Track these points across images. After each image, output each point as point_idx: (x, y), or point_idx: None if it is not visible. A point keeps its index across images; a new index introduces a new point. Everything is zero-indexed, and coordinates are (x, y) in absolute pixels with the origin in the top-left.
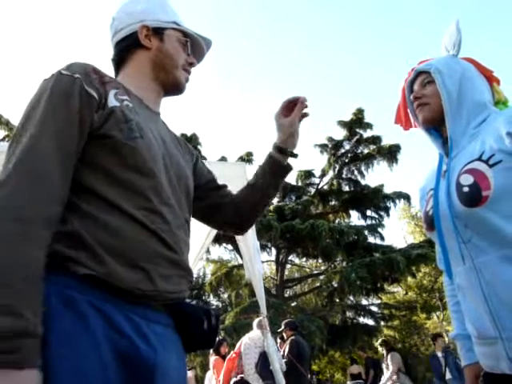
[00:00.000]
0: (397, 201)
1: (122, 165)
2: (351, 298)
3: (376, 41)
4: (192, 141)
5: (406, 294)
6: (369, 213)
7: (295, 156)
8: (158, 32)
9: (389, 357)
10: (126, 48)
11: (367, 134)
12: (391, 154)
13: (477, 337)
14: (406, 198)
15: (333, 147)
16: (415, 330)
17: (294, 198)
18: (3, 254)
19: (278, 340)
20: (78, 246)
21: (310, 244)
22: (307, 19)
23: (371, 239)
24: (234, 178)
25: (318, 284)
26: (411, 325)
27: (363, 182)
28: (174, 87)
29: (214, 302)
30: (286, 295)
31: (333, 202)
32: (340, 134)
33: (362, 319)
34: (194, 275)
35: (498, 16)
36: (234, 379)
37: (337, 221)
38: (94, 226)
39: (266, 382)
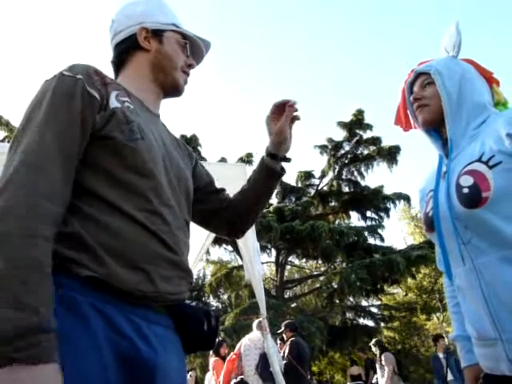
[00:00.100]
0: (397, 202)
1: (122, 166)
2: (351, 299)
3: (376, 41)
4: (192, 142)
5: (406, 295)
6: (369, 214)
7: (288, 160)
8: (157, 34)
9: (383, 357)
10: (125, 50)
11: (367, 135)
12: (391, 155)
13: (477, 338)
14: (406, 199)
15: (333, 148)
16: (415, 331)
17: (293, 199)
18: (13, 252)
19: (278, 341)
20: (79, 247)
21: (309, 245)
22: (307, 19)
23: (371, 240)
24: (234, 179)
25: (317, 285)
26: (411, 326)
27: (363, 183)
28: (173, 89)
29: (213, 303)
30: (286, 296)
31: (333, 203)
32: (340, 135)
33: (361, 320)
34: (194, 276)
35: (498, 17)
36: (233, 380)
37: (337, 222)
38: (96, 228)
39: (266, 383)
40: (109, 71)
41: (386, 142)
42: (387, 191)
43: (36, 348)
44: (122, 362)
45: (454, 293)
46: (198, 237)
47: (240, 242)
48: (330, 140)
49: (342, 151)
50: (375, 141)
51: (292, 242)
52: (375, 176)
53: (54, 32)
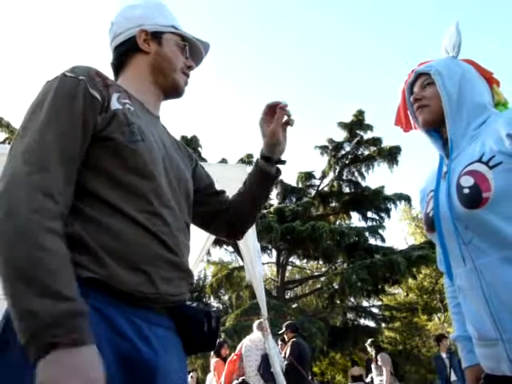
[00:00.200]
0: (397, 202)
1: (123, 167)
2: (352, 299)
3: (376, 42)
4: (192, 143)
5: (407, 295)
6: (369, 214)
7: (283, 163)
8: (156, 36)
9: (379, 357)
10: (124, 52)
11: (367, 135)
12: (391, 155)
13: (477, 338)
14: (407, 199)
15: (333, 149)
16: (416, 331)
17: (294, 200)
18: (33, 243)
19: (279, 342)
20: (80, 249)
21: (310, 245)
22: (308, 20)
23: (372, 241)
24: (235, 180)
25: (318, 286)
26: (412, 326)
27: (364, 184)
28: (173, 90)
29: (214, 303)
30: (287, 297)
31: (333, 204)
32: (340, 135)
33: (362, 321)
34: (195, 277)
35: (498, 17)
36: (235, 381)
37: (337, 222)
38: (97, 230)
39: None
40: (109, 73)
41: (387, 143)
42: (388, 192)
43: (75, 331)
44: (123, 363)
45: (454, 293)
46: (199, 238)
47: (241, 242)
48: (331, 141)
49: (343, 152)
50: (376, 141)
51: (293, 242)
52: (376, 176)
53: (54, 34)
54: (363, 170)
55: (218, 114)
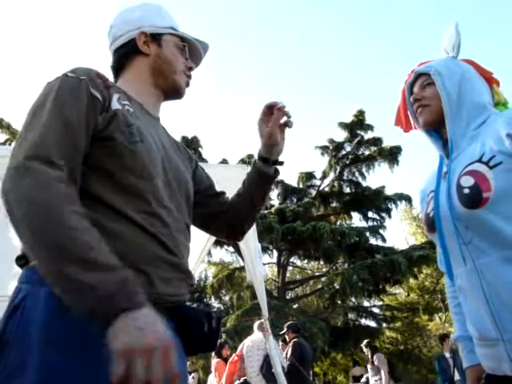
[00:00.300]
0: (398, 202)
1: (121, 168)
2: (353, 299)
3: (376, 42)
4: (193, 143)
5: (408, 295)
6: (370, 214)
7: (281, 164)
8: (155, 38)
9: (375, 358)
10: (124, 55)
11: (368, 135)
12: (392, 155)
13: (478, 338)
14: (408, 199)
15: (334, 149)
16: (417, 331)
17: (295, 200)
18: (64, 225)
19: (280, 342)
20: None
21: (311, 246)
22: (308, 20)
23: (373, 241)
24: (235, 181)
25: (319, 286)
26: (413, 326)
27: (364, 184)
28: (174, 92)
29: (215, 304)
30: (288, 297)
31: (334, 204)
32: (341, 135)
33: (363, 321)
34: (196, 278)
35: (498, 18)
36: (236, 382)
37: (338, 222)
38: None
39: None
40: (109, 76)
41: (387, 143)
42: (388, 192)
43: (135, 295)
44: None
45: (455, 293)
46: (200, 238)
47: (241, 243)
48: (331, 141)
49: (343, 152)
50: (376, 141)
51: (293, 242)
52: (376, 176)
53: (55, 35)
54: (364, 170)
55: (219, 115)
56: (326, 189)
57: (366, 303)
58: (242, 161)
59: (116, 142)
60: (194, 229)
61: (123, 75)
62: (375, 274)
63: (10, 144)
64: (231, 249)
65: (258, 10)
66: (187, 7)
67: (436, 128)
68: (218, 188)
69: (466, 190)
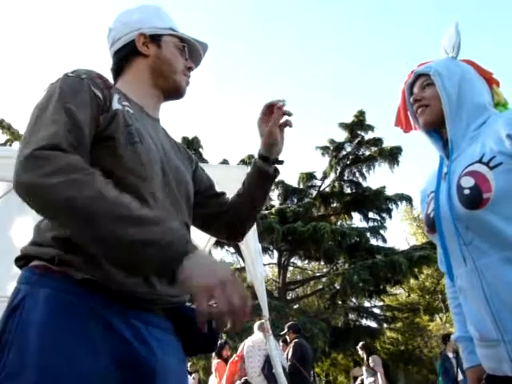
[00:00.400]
0: (398, 202)
1: (120, 168)
2: (354, 300)
3: (376, 42)
4: (194, 144)
5: (409, 295)
6: (371, 215)
7: (281, 163)
8: (155, 39)
9: (370, 359)
10: (124, 57)
11: (368, 136)
12: (392, 155)
13: (479, 339)
14: (408, 199)
15: (334, 149)
16: (418, 332)
17: (295, 201)
18: (110, 193)
19: (280, 343)
20: (75, 250)
21: (312, 246)
22: (308, 20)
23: (373, 241)
24: (236, 181)
25: (320, 286)
26: (414, 327)
27: (365, 184)
28: (174, 92)
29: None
30: (289, 298)
31: (334, 204)
32: (341, 136)
33: (364, 321)
34: None
35: (497, 18)
36: (237, 382)
37: (339, 223)
38: None
39: None
40: (109, 77)
41: (388, 143)
42: (389, 192)
43: (190, 239)
44: (122, 365)
45: (455, 294)
46: (200, 239)
47: (242, 243)
48: (332, 141)
49: (344, 152)
50: (377, 142)
51: (294, 243)
52: (377, 177)
53: (55, 36)
54: (364, 170)
55: (219, 115)
56: (327, 189)
57: (366, 304)
58: (243, 161)
59: (116, 142)
60: (194, 229)
61: (123, 77)
62: (376, 274)
63: (10, 145)
64: (232, 249)
65: (258, 10)
66: (187, 8)
67: (436, 128)
68: (219, 188)
69: (467, 191)
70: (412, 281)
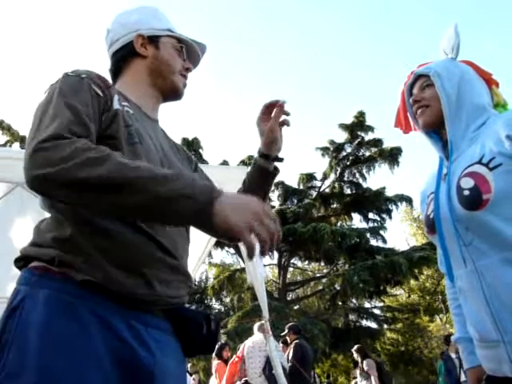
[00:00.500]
0: (399, 203)
1: None
2: (354, 300)
3: (376, 43)
4: (194, 145)
5: (409, 296)
6: (371, 215)
7: (281, 160)
8: (153, 40)
9: (365, 363)
10: (122, 58)
11: (368, 136)
12: (393, 156)
13: (479, 340)
14: (408, 200)
15: (334, 150)
16: (418, 332)
17: (295, 201)
18: (129, 162)
19: (280, 344)
20: (75, 251)
21: (312, 247)
22: (308, 20)
23: (373, 242)
24: (236, 182)
25: (320, 287)
26: (414, 327)
27: (365, 185)
28: (172, 93)
29: (216, 305)
30: (289, 298)
31: (334, 205)
32: (341, 136)
33: (364, 322)
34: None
35: (497, 18)
36: (237, 383)
37: (339, 224)
38: (92, 232)
39: None
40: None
41: (388, 144)
42: (389, 193)
43: (212, 184)
44: (121, 366)
45: (455, 295)
46: (200, 240)
47: (242, 244)
48: (332, 142)
49: (344, 153)
50: (377, 142)
51: (294, 244)
52: (377, 177)
53: (55, 38)
54: (364, 171)
55: (219, 116)
56: (327, 190)
57: (366, 304)
58: (243, 162)
59: (117, 142)
60: (194, 230)
61: (121, 78)
62: (376, 275)
63: (10, 146)
64: (232, 250)
65: (257, 11)
66: (186, 8)
67: (436, 129)
68: None
69: (466, 192)
70: (412, 281)
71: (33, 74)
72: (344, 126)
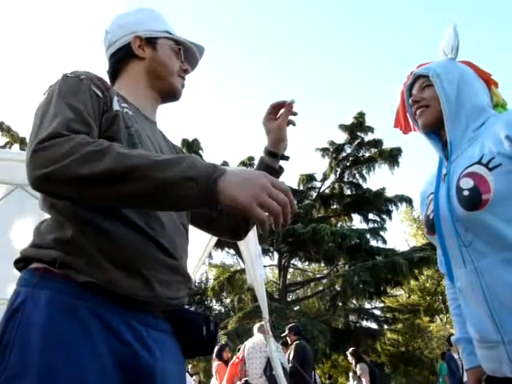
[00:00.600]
0: (398, 204)
1: None
2: (354, 301)
3: (376, 44)
4: (194, 146)
5: (409, 297)
6: (371, 216)
7: (286, 158)
8: (150, 42)
9: (358, 367)
10: (120, 60)
11: (368, 137)
12: (392, 157)
13: (478, 340)
14: (408, 201)
15: (334, 151)
16: (418, 333)
17: (295, 202)
18: (128, 151)
19: (280, 345)
20: (76, 252)
21: (312, 248)
22: (308, 22)
23: (373, 242)
24: None
25: (320, 288)
26: (414, 328)
27: (365, 186)
28: (170, 94)
29: (216, 306)
30: (289, 299)
31: (334, 206)
32: (341, 137)
33: (365, 323)
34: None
35: (496, 19)
36: (238, 383)
37: (339, 224)
38: (93, 233)
39: None
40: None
41: (388, 145)
42: (389, 193)
43: (214, 163)
44: (121, 367)
45: (455, 295)
46: (200, 240)
47: (242, 245)
48: (332, 143)
49: (344, 154)
50: (376, 143)
51: (294, 244)
52: (377, 178)
53: (54, 39)
54: (364, 171)
55: (219, 117)
56: (327, 191)
57: (366, 305)
58: (243, 163)
59: (118, 143)
60: (194, 231)
61: (119, 80)
62: (376, 275)
63: (10, 147)
64: (232, 251)
65: (257, 12)
66: (186, 9)
67: (435, 130)
68: None
69: (466, 192)
70: (412, 282)
71: (32, 76)
72: (344, 127)
